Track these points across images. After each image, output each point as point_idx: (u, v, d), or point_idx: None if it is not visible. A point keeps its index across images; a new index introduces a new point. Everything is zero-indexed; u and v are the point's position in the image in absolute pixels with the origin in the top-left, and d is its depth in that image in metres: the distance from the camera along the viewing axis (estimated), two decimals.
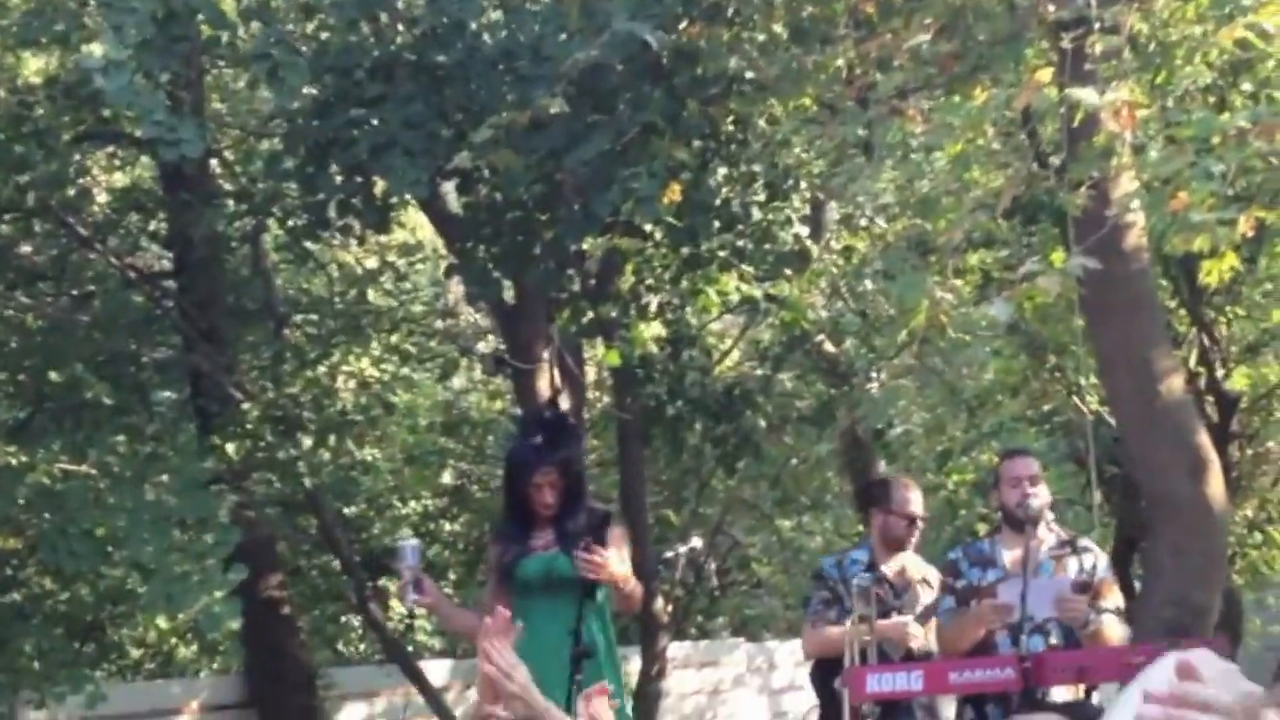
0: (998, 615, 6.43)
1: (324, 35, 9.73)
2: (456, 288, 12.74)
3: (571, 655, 5.55)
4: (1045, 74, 6.65)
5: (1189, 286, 10.47)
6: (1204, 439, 7.31)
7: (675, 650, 14.23)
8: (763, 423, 11.58)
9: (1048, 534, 6.71)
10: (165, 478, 9.79)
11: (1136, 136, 6.67)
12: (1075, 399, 9.59)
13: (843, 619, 6.81)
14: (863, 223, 12.54)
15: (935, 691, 6.64)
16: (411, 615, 15.47)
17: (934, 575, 7.10)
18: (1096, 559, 6.64)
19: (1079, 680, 6.32)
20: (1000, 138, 7.48)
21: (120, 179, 13.26)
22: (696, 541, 7.39)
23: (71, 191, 11.34)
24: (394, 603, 14.78)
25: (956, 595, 6.73)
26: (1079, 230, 7.09)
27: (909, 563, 7.27)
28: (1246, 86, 8.74)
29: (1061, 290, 6.55)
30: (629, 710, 6.11)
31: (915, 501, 7.25)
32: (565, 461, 6.14)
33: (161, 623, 11.54)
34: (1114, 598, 6.58)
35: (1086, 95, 6.42)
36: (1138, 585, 9.53)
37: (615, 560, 5.84)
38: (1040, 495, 6.59)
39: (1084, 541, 6.73)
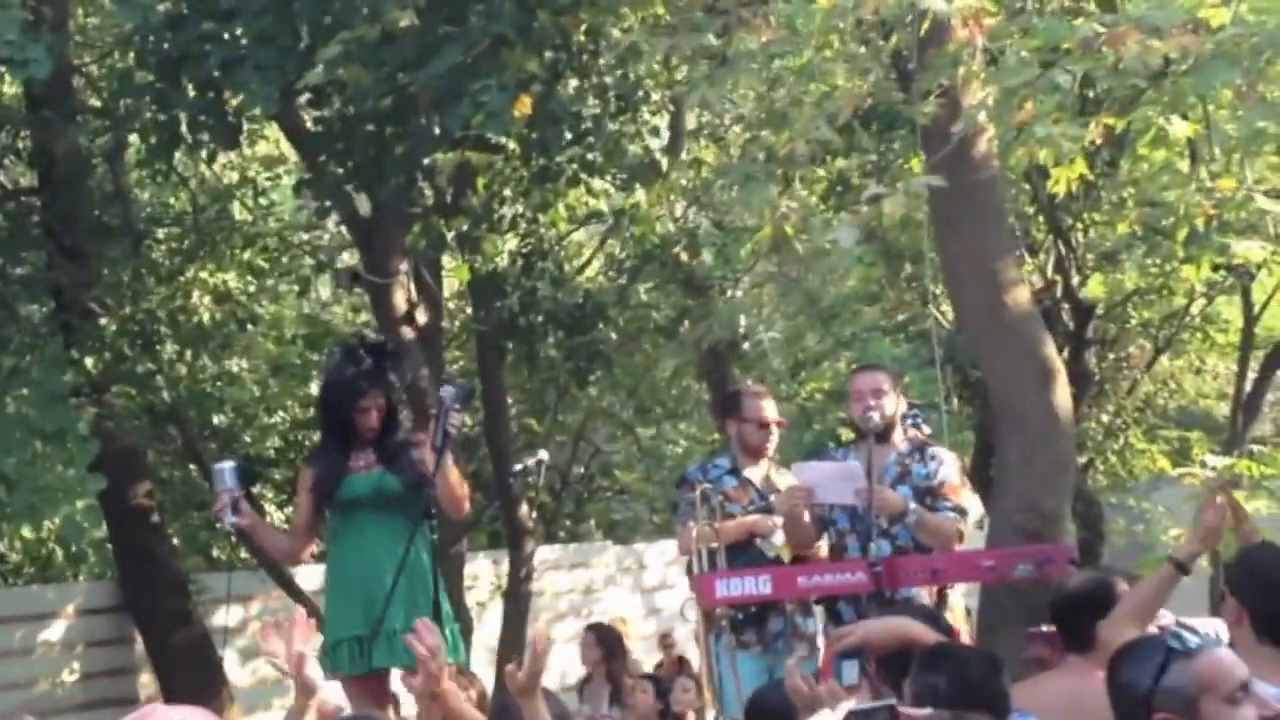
0: (791, 497, 6.18)
1: None
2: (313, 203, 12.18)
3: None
4: None
5: (1048, 195, 10.01)
6: (1050, 349, 6.95)
7: (547, 553, 13.99)
8: (614, 335, 11.15)
9: (901, 442, 6.29)
10: (25, 391, 9.20)
11: (988, 46, 6.16)
12: (930, 307, 9.12)
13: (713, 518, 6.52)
14: (720, 134, 11.99)
15: (784, 595, 6.29)
16: (290, 519, 14.91)
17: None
18: (941, 463, 6.27)
19: (932, 582, 6.02)
20: (854, 40, 6.93)
21: None
22: (543, 454, 6.97)
23: None
24: (267, 509, 14.23)
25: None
26: (929, 139, 6.65)
27: (772, 470, 6.90)
28: None
29: (907, 209, 6.05)
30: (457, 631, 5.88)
31: (768, 409, 6.91)
32: (389, 386, 5.90)
33: (26, 532, 10.95)
34: (958, 499, 6.23)
35: (935, 2, 5.91)
36: None
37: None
38: (885, 408, 6.18)
39: (933, 449, 6.34)
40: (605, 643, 9.91)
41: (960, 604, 6.42)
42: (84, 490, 8.89)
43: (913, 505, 6.10)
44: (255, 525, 6.02)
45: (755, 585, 6.01)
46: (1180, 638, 3.20)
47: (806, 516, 6.22)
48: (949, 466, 6.32)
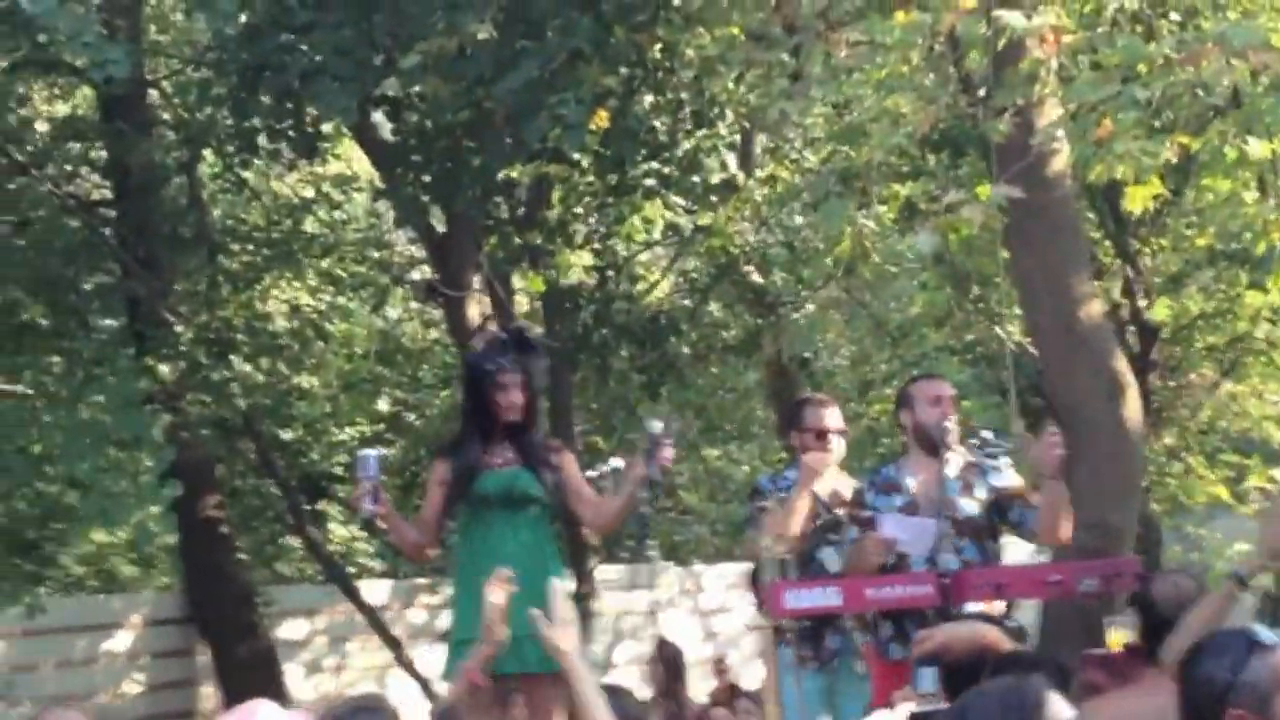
0: (877, 550, 6.06)
1: None
2: (391, 217, 12.33)
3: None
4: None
5: (1114, 217, 10.02)
6: (1122, 364, 6.98)
7: (609, 572, 13.95)
8: (687, 350, 11.18)
9: (959, 456, 6.26)
10: (101, 398, 9.39)
11: (1063, 64, 6.23)
12: (998, 330, 9.15)
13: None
14: (792, 155, 12.06)
15: (853, 608, 6.21)
16: (357, 535, 15.09)
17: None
18: (1000, 471, 6.19)
19: (997, 596, 5.93)
20: (926, 65, 7.01)
21: (62, 109, 12.67)
22: (619, 462, 6.94)
23: (12, 120, 10.84)
24: (333, 525, 14.39)
25: (860, 525, 6.29)
26: (1003, 159, 6.69)
27: (840, 483, 6.78)
28: (1174, 15, 8.31)
29: (985, 220, 6.10)
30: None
31: (829, 417, 6.75)
32: (530, 370, 5.70)
33: (99, 536, 11.13)
34: (1027, 498, 6.16)
35: (1012, 19, 5.99)
36: None
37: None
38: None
39: (988, 461, 6.29)
40: (669, 662, 9.89)
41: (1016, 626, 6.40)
42: (158, 496, 9.01)
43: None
44: (390, 516, 5.79)
45: (824, 596, 6.01)
46: (1259, 634, 3.23)
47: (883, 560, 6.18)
48: (1009, 473, 6.28)
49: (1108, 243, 10.60)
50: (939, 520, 5.94)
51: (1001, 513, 6.09)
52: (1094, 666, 5.08)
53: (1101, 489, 6.67)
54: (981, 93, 6.80)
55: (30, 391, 9.85)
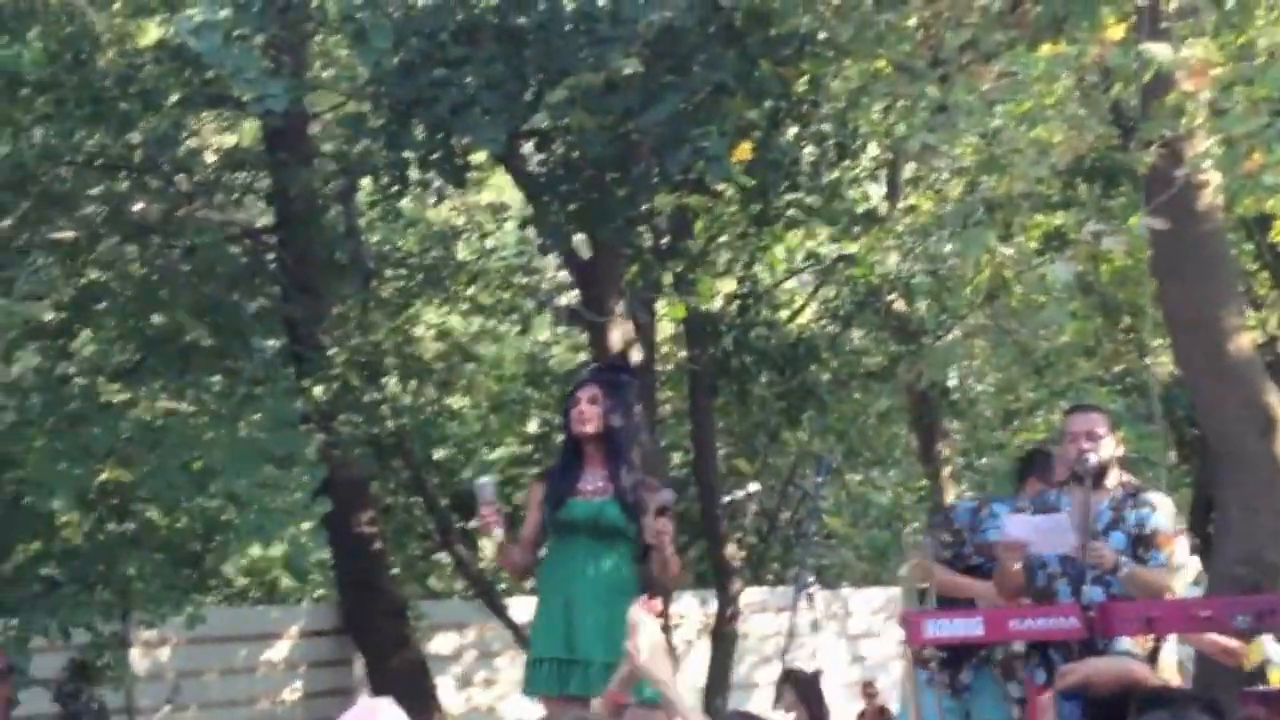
0: (1007, 553, 5.96)
1: None
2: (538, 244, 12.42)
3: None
4: (1118, 29, 6.07)
5: (1270, 249, 9.78)
6: (1274, 397, 6.77)
7: (754, 595, 13.91)
8: (827, 377, 11.10)
9: (1115, 487, 6.11)
10: (258, 417, 9.57)
11: (1214, 96, 6.06)
12: (1148, 360, 8.96)
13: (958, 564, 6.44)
14: (936, 185, 11.92)
15: (996, 639, 6.11)
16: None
17: None
18: (1154, 509, 6.05)
19: (1147, 631, 5.77)
20: (1075, 96, 6.88)
21: (229, 140, 12.99)
22: (755, 485, 6.88)
23: (181, 151, 11.14)
24: (483, 542, 14.53)
25: None
26: (1152, 191, 6.55)
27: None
28: None
29: (1130, 251, 5.96)
30: None
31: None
32: (609, 383, 5.70)
33: (255, 550, 11.37)
34: (1170, 548, 6.02)
35: (1160, 51, 5.86)
36: None
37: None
38: (1101, 451, 6.00)
39: (1148, 495, 6.14)
40: (803, 691, 9.76)
41: (1173, 658, 6.17)
42: (310, 512, 9.13)
43: (1124, 559, 5.91)
44: (506, 540, 5.83)
45: (967, 627, 5.91)
46: None
47: (1017, 565, 6.11)
48: (1162, 514, 6.11)
49: (1265, 274, 10.34)
50: (1073, 516, 5.80)
51: (1136, 552, 5.94)
52: (1254, 703, 4.92)
53: (1255, 524, 6.49)
54: (1130, 124, 6.66)
55: (193, 410, 10.04)
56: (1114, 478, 6.15)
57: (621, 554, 5.58)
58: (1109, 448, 6.09)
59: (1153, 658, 5.83)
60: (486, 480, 5.79)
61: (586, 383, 5.75)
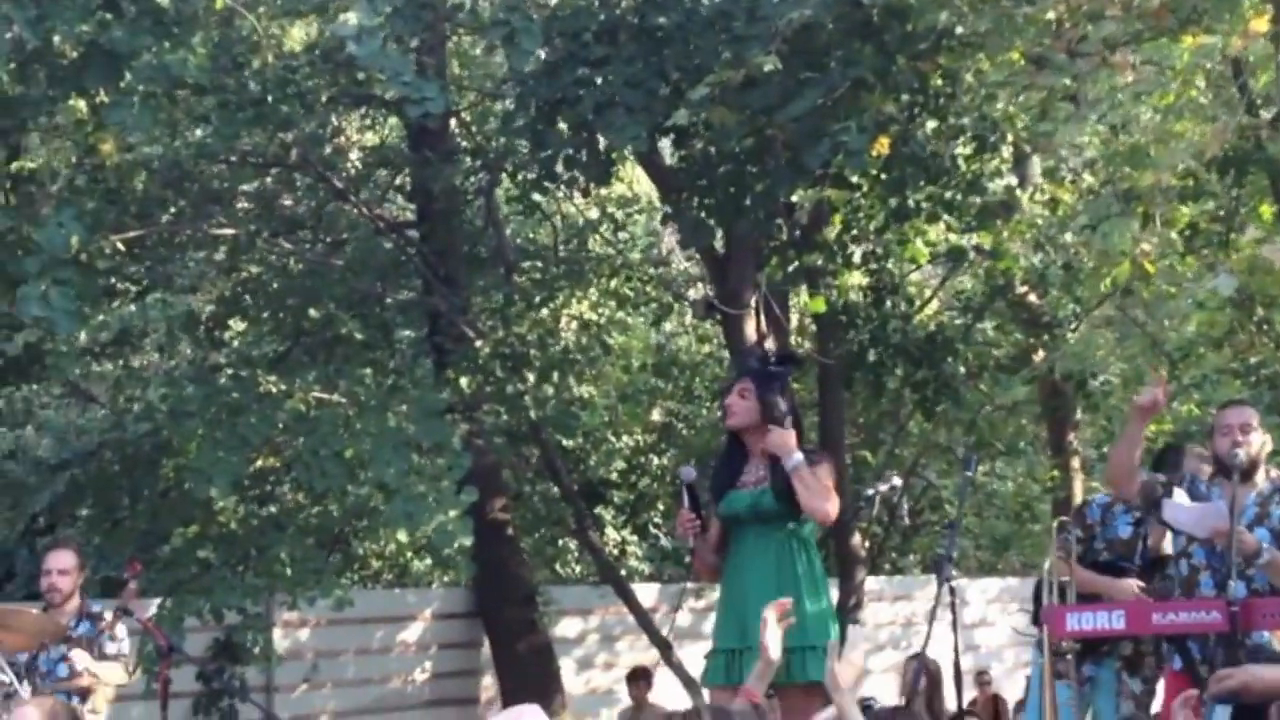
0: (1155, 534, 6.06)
1: (554, 1, 9.46)
2: (670, 237, 12.45)
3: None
4: (1261, 22, 5.98)
5: None
6: None
7: (871, 584, 13.85)
8: (962, 369, 11.00)
9: (1263, 481, 6.04)
10: (405, 407, 9.76)
11: None
12: None
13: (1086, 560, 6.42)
14: (1068, 177, 11.76)
15: (1137, 631, 6.05)
16: (628, 539, 15.30)
17: None
18: None
19: None
20: (1211, 89, 6.78)
21: (371, 138, 13.19)
22: (896, 480, 6.84)
23: (328, 149, 11.34)
24: (609, 529, 14.62)
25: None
26: None
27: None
28: None
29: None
30: (834, 632, 5.59)
31: (1205, 472, 6.44)
32: (761, 375, 5.65)
33: (401, 537, 11.52)
34: None
35: None
36: None
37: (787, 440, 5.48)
38: (1251, 445, 5.92)
39: None
40: (930, 675, 9.77)
41: None
42: (457, 501, 9.21)
43: (1266, 546, 5.85)
44: (697, 544, 5.77)
45: (1108, 620, 5.83)
46: None
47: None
48: None
49: None
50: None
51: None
52: None
53: None
54: (1267, 115, 6.56)
55: (343, 400, 10.20)
56: (1261, 473, 6.07)
57: (792, 540, 5.53)
58: (1258, 442, 6.00)
59: None
60: (688, 469, 5.74)
61: (741, 376, 5.74)
